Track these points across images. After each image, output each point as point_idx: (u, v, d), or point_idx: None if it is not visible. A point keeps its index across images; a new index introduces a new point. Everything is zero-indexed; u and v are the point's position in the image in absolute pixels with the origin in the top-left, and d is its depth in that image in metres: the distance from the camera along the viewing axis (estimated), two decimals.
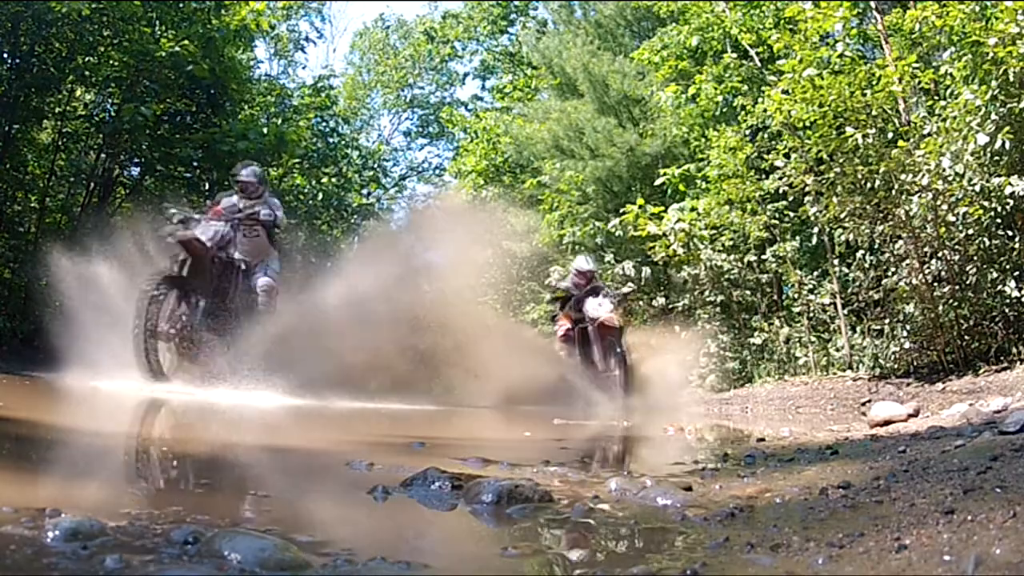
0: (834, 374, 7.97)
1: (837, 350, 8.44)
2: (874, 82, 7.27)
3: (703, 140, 10.63)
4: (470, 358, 7.39)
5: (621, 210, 10.13)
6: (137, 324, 5.45)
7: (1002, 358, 6.23)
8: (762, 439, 3.60)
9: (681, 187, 10.73)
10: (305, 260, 11.54)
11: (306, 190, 15.20)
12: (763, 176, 9.42)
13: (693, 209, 9.62)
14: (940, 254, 6.75)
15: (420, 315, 7.54)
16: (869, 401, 6.24)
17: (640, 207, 9.72)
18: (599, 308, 7.74)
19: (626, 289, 8.61)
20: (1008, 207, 6.26)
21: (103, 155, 11.40)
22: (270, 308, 6.36)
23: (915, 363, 7.10)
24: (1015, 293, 6.25)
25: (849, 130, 7.03)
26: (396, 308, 6.88)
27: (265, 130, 12.41)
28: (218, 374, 5.93)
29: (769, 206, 9.39)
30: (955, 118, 6.46)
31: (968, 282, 6.57)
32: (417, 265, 7.89)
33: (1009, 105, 6.03)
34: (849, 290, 8.39)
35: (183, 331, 5.97)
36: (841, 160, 7.22)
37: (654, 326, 9.74)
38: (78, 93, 11.25)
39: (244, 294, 6.39)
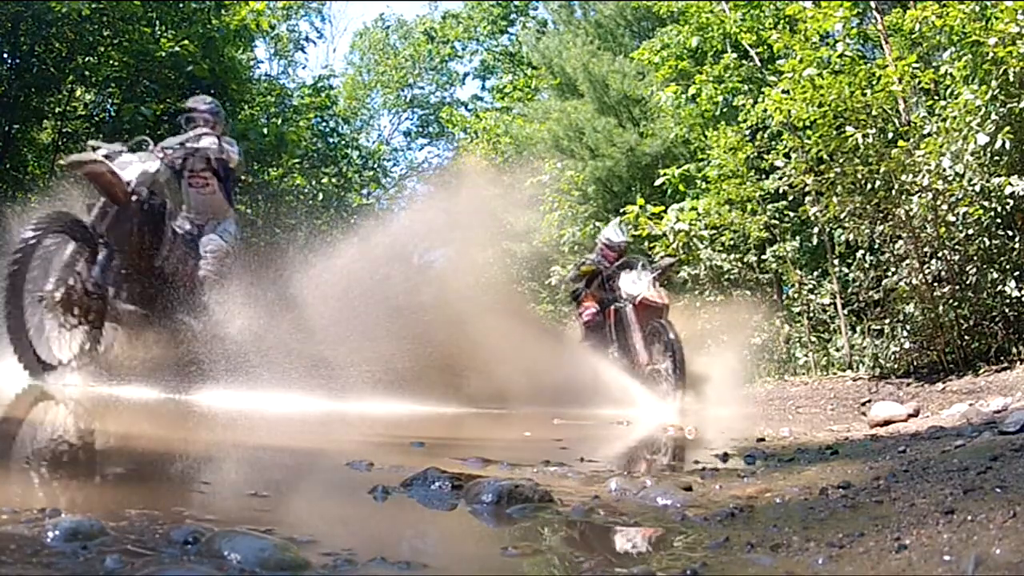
0: (834, 374, 7.96)
1: (837, 350, 8.44)
2: (874, 82, 7.27)
3: (703, 140, 10.64)
4: (481, 356, 6.15)
5: (621, 210, 10.14)
6: (6, 287, 3.67)
7: (1002, 358, 6.23)
8: (762, 439, 3.60)
9: (681, 187, 10.75)
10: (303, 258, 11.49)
11: (306, 190, 15.21)
12: (763, 176, 9.44)
13: (693, 209, 9.63)
14: (940, 254, 6.75)
15: (433, 308, 6.31)
16: (869, 401, 6.24)
17: (640, 207, 9.74)
18: (637, 284, 6.56)
19: (667, 260, 7.26)
20: (1008, 207, 6.27)
21: None
22: (217, 277, 4.93)
23: (915, 363, 7.10)
24: (1015, 293, 6.25)
25: (849, 130, 7.03)
26: (408, 300, 5.91)
27: (265, 130, 12.43)
28: (142, 362, 4.53)
29: (769, 206, 9.40)
30: (955, 118, 6.47)
31: (968, 282, 6.58)
32: (421, 258, 7.35)
33: (1009, 105, 6.04)
34: (849, 290, 8.39)
35: (84, 296, 4.10)
36: (841, 160, 7.22)
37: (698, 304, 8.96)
38: (78, 93, 11.26)
39: (185, 257, 4.93)
